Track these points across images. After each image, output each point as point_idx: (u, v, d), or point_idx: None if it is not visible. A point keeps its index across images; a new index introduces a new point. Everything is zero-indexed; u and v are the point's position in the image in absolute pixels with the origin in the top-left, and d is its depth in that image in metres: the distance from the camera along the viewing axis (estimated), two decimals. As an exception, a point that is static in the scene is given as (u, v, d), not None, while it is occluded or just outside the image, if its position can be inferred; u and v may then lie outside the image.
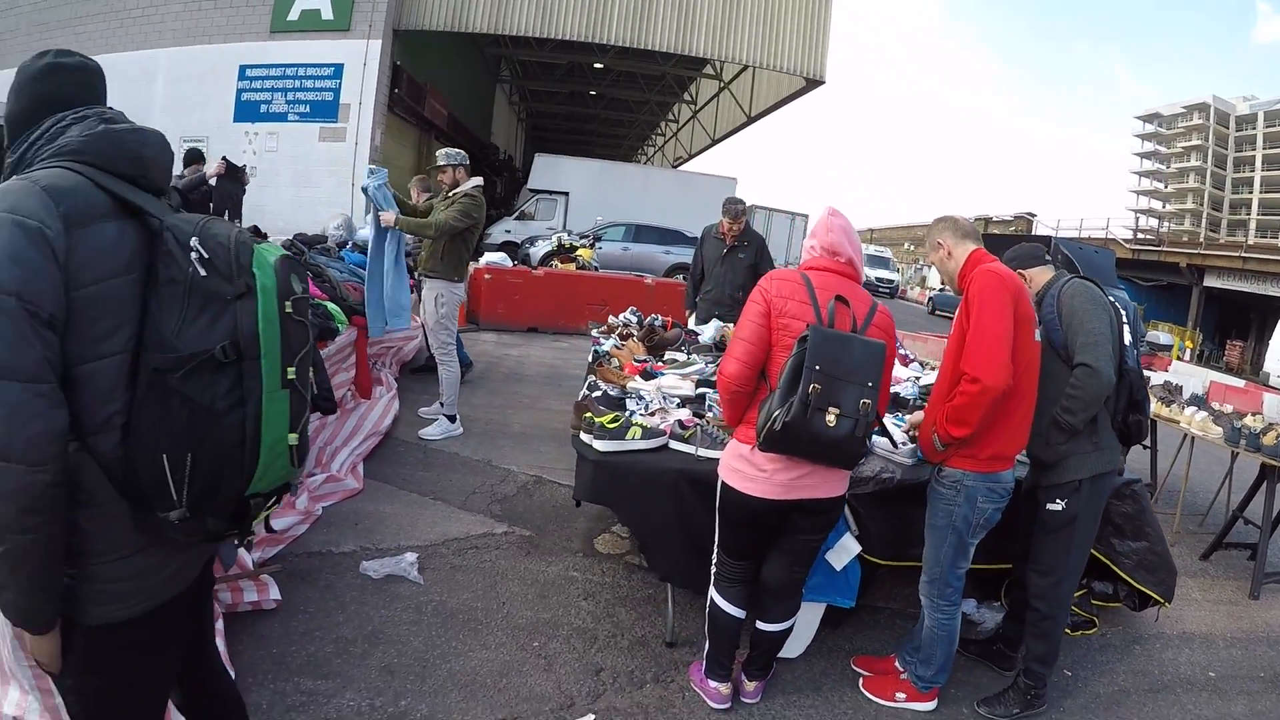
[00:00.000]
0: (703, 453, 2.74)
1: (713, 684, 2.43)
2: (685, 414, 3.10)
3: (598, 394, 3.24)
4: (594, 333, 4.96)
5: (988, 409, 2.21)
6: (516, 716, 2.32)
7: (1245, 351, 28.27)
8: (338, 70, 13.46)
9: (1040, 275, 2.71)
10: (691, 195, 17.15)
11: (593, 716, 2.35)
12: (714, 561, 2.41)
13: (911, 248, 38.09)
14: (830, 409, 1.97)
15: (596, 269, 9.59)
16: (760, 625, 2.40)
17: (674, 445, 2.79)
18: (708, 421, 2.95)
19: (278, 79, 13.81)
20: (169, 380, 1.08)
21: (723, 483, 2.27)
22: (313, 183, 13.25)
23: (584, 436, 2.77)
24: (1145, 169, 61.33)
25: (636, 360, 3.81)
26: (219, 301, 1.12)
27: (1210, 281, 28.16)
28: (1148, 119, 60.62)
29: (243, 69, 13.97)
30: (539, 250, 12.78)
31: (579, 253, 9.13)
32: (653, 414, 3.05)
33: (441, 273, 4.67)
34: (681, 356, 3.91)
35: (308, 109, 13.51)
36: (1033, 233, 33.96)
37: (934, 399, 2.45)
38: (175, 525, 1.12)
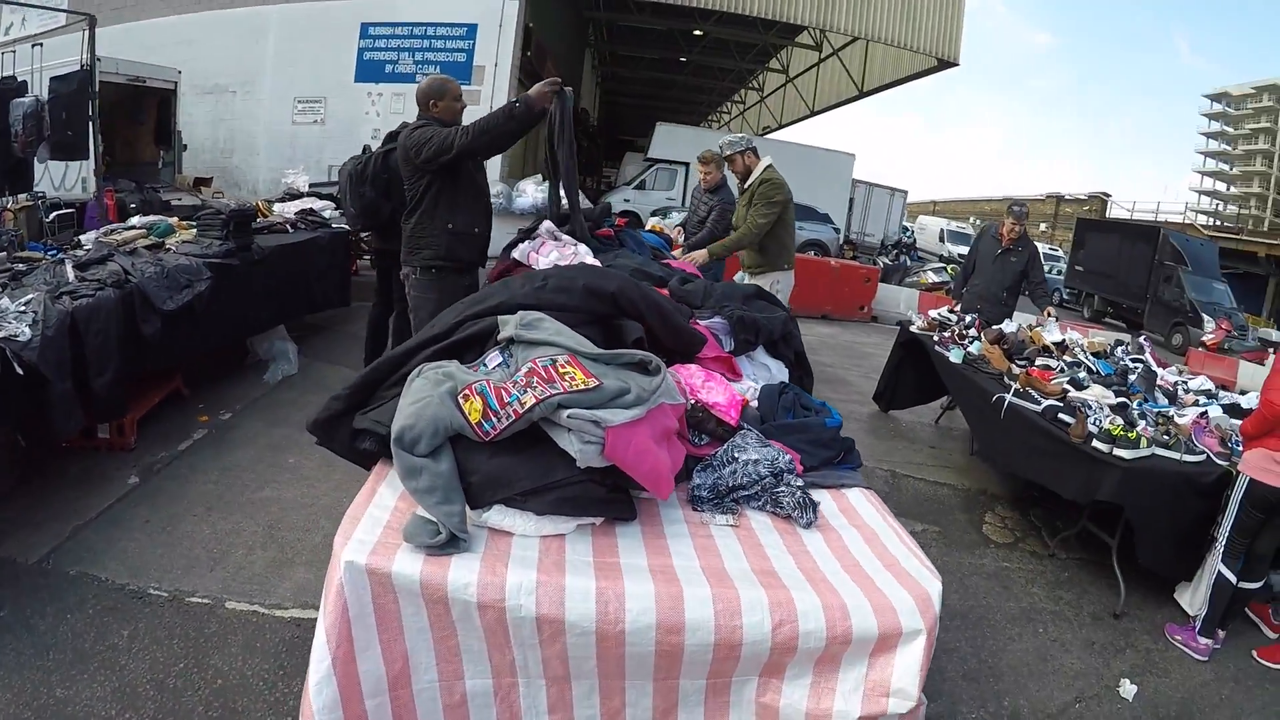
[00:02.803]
0: (1187, 459, 3.09)
1: (1204, 641, 2.96)
2: (1121, 421, 3.26)
3: (1045, 405, 3.44)
4: (915, 328, 5.09)
5: None
6: (1082, 690, 2.68)
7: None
8: (471, 30, 13.13)
9: None
10: (811, 170, 16.34)
11: (1127, 682, 2.73)
12: (1223, 541, 2.92)
13: (977, 221, 37.25)
14: None
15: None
16: (1243, 584, 2.94)
17: (1159, 452, 3.09)
18: (1171, 431, 3.25)
19: (405, 38, 13.42)
20: None
21: (1251, 480, 2.84)
22: (446, 146, 13.14)
23: (1100, 445, 3.07)
24: (1211, 149, 59.38)
25: (1019, 366, 3.92)
26: None
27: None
28: (1215, 98, 58.50)
29: (365, 27, 13.56)
30: (673, 221, 12.66)
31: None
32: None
33: (767, 265, 4.67)
34: (1054, 363, 4.00)
35: (438, 70, 13.27)
36: (1107, 214, 33.08)
37: None
38: None
